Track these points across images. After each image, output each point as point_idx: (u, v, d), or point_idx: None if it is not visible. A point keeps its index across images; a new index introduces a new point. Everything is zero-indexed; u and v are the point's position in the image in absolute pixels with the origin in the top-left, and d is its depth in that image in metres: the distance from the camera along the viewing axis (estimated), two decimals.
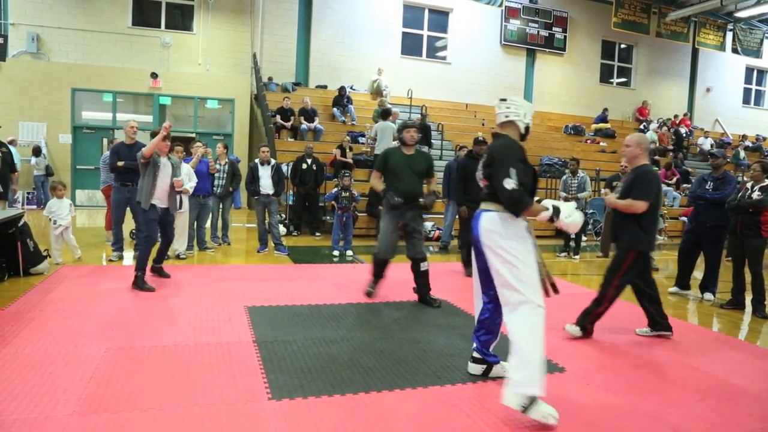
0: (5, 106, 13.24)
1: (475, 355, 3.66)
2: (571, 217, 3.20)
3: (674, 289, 6.78)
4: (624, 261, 4.57)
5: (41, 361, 3.59)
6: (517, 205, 3.12)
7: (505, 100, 3.38)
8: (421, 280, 5.48)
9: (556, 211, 3.19)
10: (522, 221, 3.20)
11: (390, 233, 5.46)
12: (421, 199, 5.40)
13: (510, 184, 3.09)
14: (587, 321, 4.70)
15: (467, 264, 7.11)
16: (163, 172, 5.77)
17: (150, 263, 5.94)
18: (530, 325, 3.04)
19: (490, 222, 3.21)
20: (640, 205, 4.47)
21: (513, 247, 3.13)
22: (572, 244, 9.33)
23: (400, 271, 7.20)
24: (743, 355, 4.49)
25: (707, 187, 6.43)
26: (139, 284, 5.58)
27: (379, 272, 5.72)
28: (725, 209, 6.26)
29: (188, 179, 7.35)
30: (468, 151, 7.34)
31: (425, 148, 13.26)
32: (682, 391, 3.61)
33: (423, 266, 5.38)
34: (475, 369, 3.67)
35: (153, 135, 5.71)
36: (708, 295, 6.47)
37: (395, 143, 12.45)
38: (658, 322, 4.82)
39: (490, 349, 3.65)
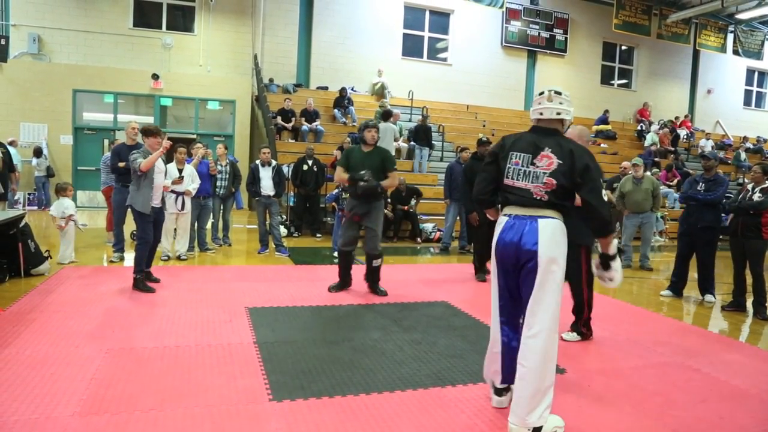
0: (6, 107, 13.26)
1: (501, 386, 3.20)
2: (618, 272, 3.03)
3: (667, 292, 6.72)
4: (580, 258, 4.54)
5: (42, 362, 3.59)
6: (608, 223, 2.89)
7: (560, 93, 3.02)
8: (371, 275, 5.63)
9: (617, 254, 3.01)
10: None
11: (347, 227, 5.78)
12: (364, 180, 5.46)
13: (606, 197, 2.90)
14: (581, 326, 4.71)
15: (479, 270, 7.08)
16: (158, 170, 5.74)
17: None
18: (551, 352, 2.84)
19: (556, 231, 2.84)
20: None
21: (564, 266, 2.88)
22: None
23: (400, 271, 7.22)
24: (744, 357, 4.48)
25: (699, 188, 6.42)
26: (139, 286, 5.57)
27: (343, 264, 5.93)
28: (718, 210, 6.27)
29: (191, 180, 7.36)
30: (473, 153, 7.31)
31: (426, 150, 13.28)
32: (683, 393, 3.60)
33: (375, 263, 5.47)
34: (506, 401, 3.17)
35: (144, 132, 5.67)
36: (709, 297, 6.47)
37: (396, 145, 12.55)
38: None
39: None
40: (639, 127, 19.15)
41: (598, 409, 3.30)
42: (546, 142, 2.92)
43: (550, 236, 2.83)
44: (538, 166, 2.89)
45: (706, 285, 6.50)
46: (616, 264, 3.02)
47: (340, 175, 5.73)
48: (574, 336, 4.67)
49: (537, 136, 2.98)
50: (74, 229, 7.00)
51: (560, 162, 2.85)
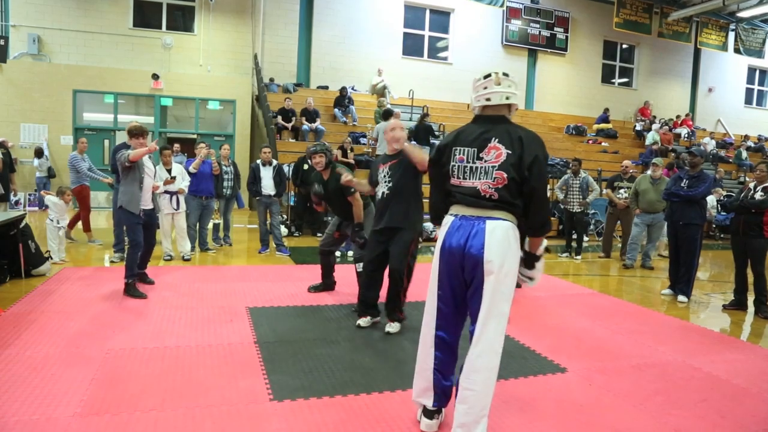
0: (6, 108, 13.28)
1: (439, 407, 2.91)
2: (538, 272, 2.81)
3: (667, 291, 6.69)
4: (411, 243, 4.53)
5: (43, 363, 3.59)
6: (548, 223, 2.63)
7: (507, 75, 2.69)
8: (359, 279, 5.37)
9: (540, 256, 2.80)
10: None
11: (326, 236, 5.75)
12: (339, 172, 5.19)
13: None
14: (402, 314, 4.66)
15: None
16: (148, 170, 5.59)
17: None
18: (495, 371, 2.61)
19: (505, 235, 2.54)
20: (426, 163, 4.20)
21: (515, 271, 2.64)
22: (574, 244, 9.33)
23: None
24: (746, 356, 4.47)
25: (682, 184, 6.38)
26: (130, 291, 5.36)
27: (323, 264, 5.88)
28: (701, 208, 6.24)
29: (181, 179, 7.37)
30: None
31: (426, 149, 13.26)
32: (684, 392, 3.60)
33: (358, 267, 5.29)
34: (437, 424, 2.90)
35: (130, 133, 5.42)
36: (682, 297, 6.38)
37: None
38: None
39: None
40: (637, 126, 19.07)
41: (598, 408, 3.29)
42: (493, 131, 2.61)
43: (499, 240, 2.52)
44: (486, 160, 2.59)
45: (682, 284, 6.41)
46: (540, 264, 2.79)
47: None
48: (396, 327, 4.57)
49: (483, 126, 2.66)
50: (54, 229, 7.01)
51: (509, 152, 2.55)
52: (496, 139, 2.59)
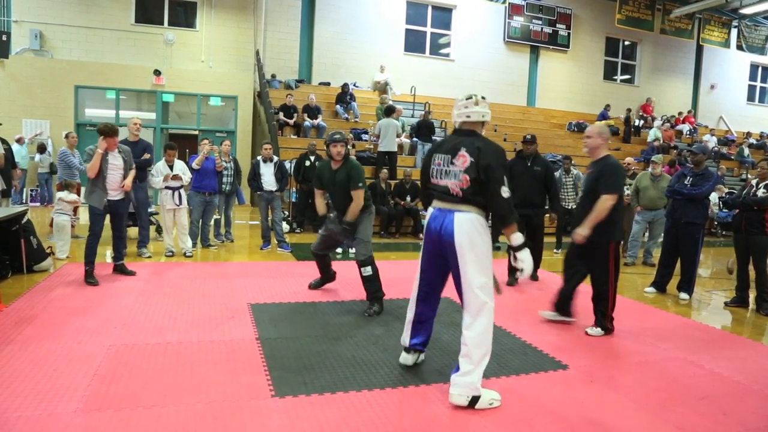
0: (9, 103, 13.27)
1: (417, 347, 3.71)
2: (524, 262, 3.21)
3: (650, 289, 6.57)
4: (607, 254, 4.58)
5: (44, 359, 3.60)
6: (510, 214, 3.14)
7: (484, 98, 3.37)
8: (364, 283, 5.17)
9: (523, 245, 3.22)
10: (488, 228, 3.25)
11: (321, 237, 5.52)
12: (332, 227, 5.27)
13: (506, 192, 3.11)
14: (606, 321, 4.71)
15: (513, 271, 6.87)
16: (113, 166, 5.78)
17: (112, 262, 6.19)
18: (487, 327, 3.18)
19: (470, 224, 3.16)
20: (609, 202, 4.42)
21: (486, 251, 3.19)
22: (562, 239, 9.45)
23: (402, 267, 7.20)
24: (747, 353, 4.47)
25: (686, 182, 6.21)
26: (86, 278, 5.68)
27: (319, 265, 5.78)
28: (703, 206, 6.18)
29: (182, 173, 7.38)
30: (517, 151, 7.08)
31: (428, 145, 13.24)
32: (685, 389, 3.60)
33: (364, 271, 5.09)
34: (412, 359, 3.72)
35: (100, 132, 5.68)
36: (683, 295, 6.30)
37: (399, 140, 12.52)
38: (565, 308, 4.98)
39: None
40: (636, 123, 18.94)
41: (600, 405, 3.29)
42: (463, 142, 3.23)
43: (465, 228, 3.15)
44: (456, 165, 3.21)
45: (684, 282, 6.34)
46: (521, 254, 3.19)
47: (320, 206, 5.55)
48: (598, 331, 4.68)
49: (458, 138, 3.29)
50: (68, 224, 7.06)
51: (472, 159, 3.15)
52: (465, 149, 3.20)
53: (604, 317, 4.71)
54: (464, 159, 3.18)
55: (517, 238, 3.20)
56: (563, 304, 4.96)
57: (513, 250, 3.23)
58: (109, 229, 6.05)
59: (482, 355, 3.16)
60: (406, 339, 3.71)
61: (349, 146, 5.27)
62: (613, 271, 4.65)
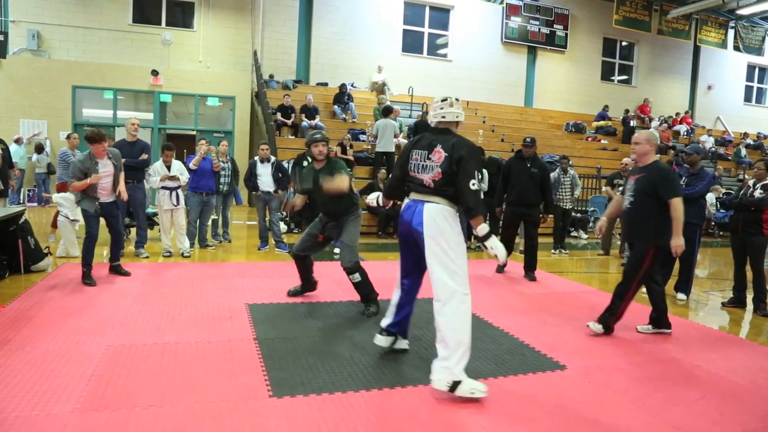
0: (6, 103, 13.25)
1: (390, 329, 3.89)
2: (495, 248, 3.35)
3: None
4: (645, 255, 4.56)
5: (42, 359, 3.59)
6: (477, 206, 3.31)
7: (458, 100, 3.58)
8: (356, 288, 5.04)
9: (490, 234, 3.38)
10: (458, 219, 3.43)
11: (306, 236, 5.24)
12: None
13: (475, 185, 3.25)
14: (611, 320, 4.71)
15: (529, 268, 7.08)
16: (103, 172, 5.76)
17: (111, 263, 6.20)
18: (461, 314, 3.27)
19: (438, 214, 3.35)
20: (681, 204, 4.45)
21: (454, 240, 3.34)
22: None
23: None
24: (745, 353, 4.48)
25: (681, 182, 6.13)
26: (83, 279, 5.70)
27: (299, 267, 5.40)
28: (699, 206, 6.17)
29: (180, 174, 7.38)
30: (516, 152, 7.31)
31: None
32: (683, 389, 3.60)
33: (352, 278, 4.94)
34: (385, 341, 3.89)
35: (87, 138, 5.66)
36: (680, 295, 6.31)
37: (396, 141, 12.52)
38: (662, 320, 4.85)
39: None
40: (631, 123, 18.90)
41: (598, 405, 3.30)
42: (438, 139, 3.46)
43: (434, 218, 3.34)
44: (432, 160, 3.42)
45: (681, 283, 6.34)
46: (490, 242, 3.36)
47: (300, 198, 5.51)
48: (599, 327, 4.68)
49: (433, 136, 3.51)
50: (69, 224, 7.05)
51: (447, 154, 3.35)
52: (440, 146, 3.41)
53: (611, 316, 4.70)
54: (440, 155, 3.39)
55: (483, 228, 3.36)
56: (659, 317, 4.87)
57: (480, 240, 3.39)
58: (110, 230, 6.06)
59: (458, 341, 3.23)
60: (386, 320, 3.91)
61: (331, 147, 5.21)
62: (642, 276, 4.62)
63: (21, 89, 13.40)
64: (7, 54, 13.21)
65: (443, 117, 3.51)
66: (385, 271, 5.98)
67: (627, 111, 19.14)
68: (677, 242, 4.46)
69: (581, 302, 5.90)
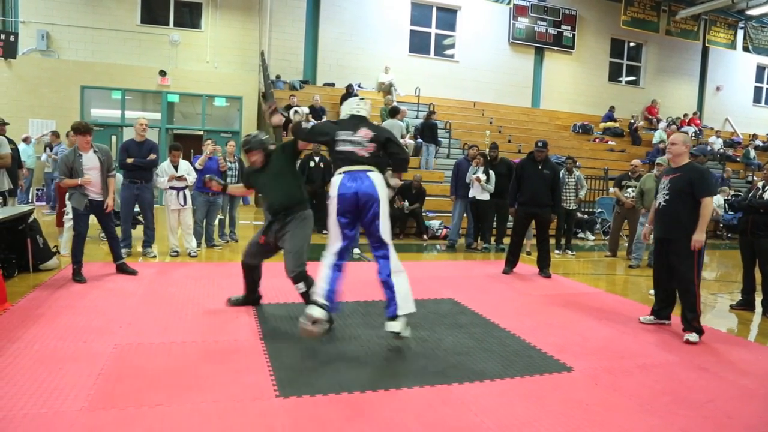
0: (16, 103, 13.33)
1: (322, 301, 3.98)
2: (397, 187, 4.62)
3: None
4: (695, 254, 4.70)
5: (50, 357, 3.61)
6: (406, 162, 4.40)
7: (368, 101, 4.52)
8: (303, 299, 4.53)
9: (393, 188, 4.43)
10: None
11: (253, 241, 4.92)
12: None
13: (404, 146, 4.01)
14: (697, 323, 4.72)
15: (509, 263, 7.37)
16: (90, 168, 5.75)
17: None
18: (398, 264, 4.24)
19: (381, 181, 4.14)
20: (711, 203, 4.70)
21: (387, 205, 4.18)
22: (563, 241, 9.46)
23: (407, 269, 7.18)
24: (753, 356, 4.45)
25: None
26: (73, 276, 5.76)
27: (244, 276, 5.06)
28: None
29: (187, 174, 7.41)
30: (528, 153, 7.50)
31: (432, 147, 13.26)
32: (691, 392, 3.58)
33: (297, 288, 4.52)
34: (321, 313, 3.91)
35: (75, 129, 5.77)
36: None
37: (403, 141, 12.53)
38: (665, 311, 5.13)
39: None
40: (631, 122, 18.74)
41: (605, 407, 3.29)
42: (361, 123, 4.25)
43: (380, 183, 4.11)
44: (359, 136, 4.14)
45: None
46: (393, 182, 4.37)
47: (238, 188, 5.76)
48: (694, 336, 4.67)
49: (353, 121, 4.26)
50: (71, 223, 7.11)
51: (373, 134, 4.17)
52: (364, 127, 4.22)
53: (695, 319, 4.71)
54: (366, 133, 4.16)
55: (395, 181, 4.42)
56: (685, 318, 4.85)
57: (389, 186, 4.26)
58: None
59: (403, 272, 4.24)
60: (320, 299, 4.00)
61: (268, 148, 4.77)
62: (699, 272, 4.76)
63: (30, 89, 13.49)
64: (17, 54, 13.30)
65: (358, 111, 4.32)
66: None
67: (633, 116, 19.04)
68: (699, 237, 4.64)
69: (588, 304, 5.88)
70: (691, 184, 4.66)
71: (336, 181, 4.13)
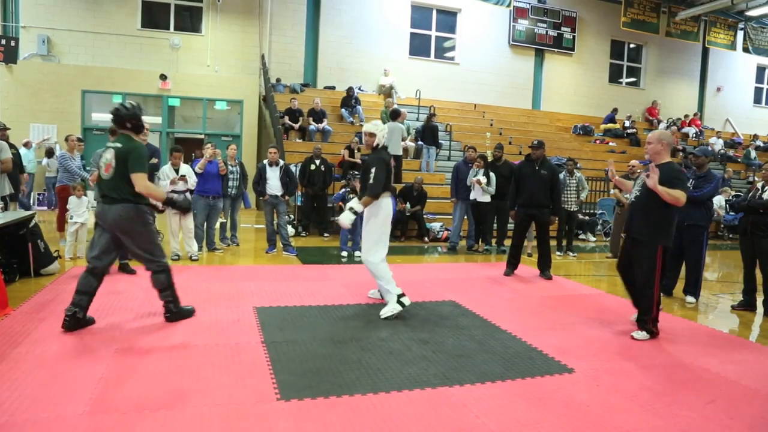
0: (17, 108, 13.38)
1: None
2: (342, 218, 5.09)
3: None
4: (656, 259, 4.63)
5: (51, 361, 3.62)
6: (373, 189, 5.05)
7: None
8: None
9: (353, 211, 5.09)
10: None
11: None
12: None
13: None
14: (652, 324, 4.73)
15: (511, 265, 7.39)
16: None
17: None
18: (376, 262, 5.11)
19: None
20: (683, 198, 4.52)
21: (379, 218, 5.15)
22: (564, 242, 9.51)
23: (408, 271, 7.21)
24: (755, 357, 4.45)
25: (688, 185, 6.17)
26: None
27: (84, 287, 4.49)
28: (706, 209, 6.17)
29: (188, 177, 7.42)
30: (526, 155, 7.48)
31: (433, 149, 13.27)
32: (692, 393, 3.58)
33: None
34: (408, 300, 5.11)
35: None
36: (690, 298, 6.29)
37: (403, 144, 12.54)
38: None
39: None
40: (626, 123, 18.69)
41: (606, 408, 3.28)
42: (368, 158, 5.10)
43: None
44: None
45: (690, 285, 6.32)
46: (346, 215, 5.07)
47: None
48: (644, 335, 4.68)
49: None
50: (77, 228, 7.15)
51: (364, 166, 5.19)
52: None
53: (650, 320, 4.71)
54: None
55: (359, 206, 5.11)
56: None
57: (352, 211, 5.05)
58: None
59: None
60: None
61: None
62: (659, 277, 4.69)
63: (31, 94, 13.54)
64: (17, 59, 13.35)
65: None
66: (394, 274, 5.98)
67: (629, 117, 19.00)
68: (654, 177, 4.50)
69: (589, 305, 5.88)
70: (662, 181, 4.54)
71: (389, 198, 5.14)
